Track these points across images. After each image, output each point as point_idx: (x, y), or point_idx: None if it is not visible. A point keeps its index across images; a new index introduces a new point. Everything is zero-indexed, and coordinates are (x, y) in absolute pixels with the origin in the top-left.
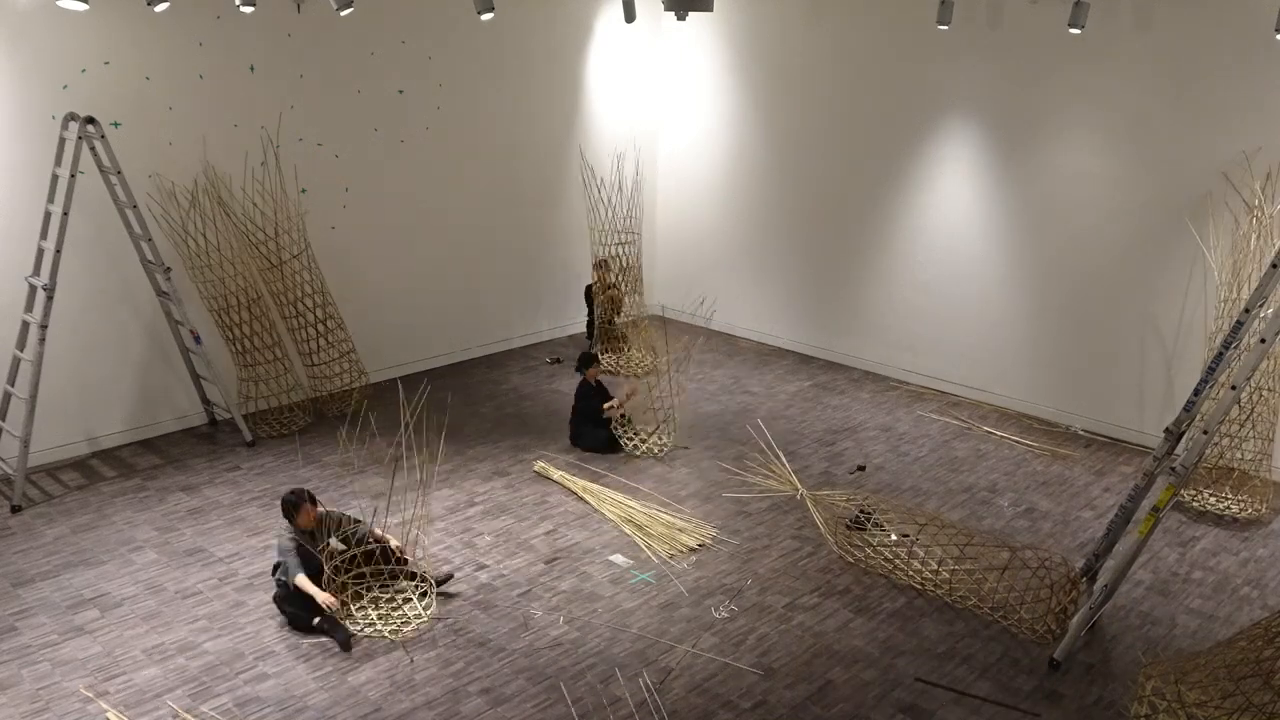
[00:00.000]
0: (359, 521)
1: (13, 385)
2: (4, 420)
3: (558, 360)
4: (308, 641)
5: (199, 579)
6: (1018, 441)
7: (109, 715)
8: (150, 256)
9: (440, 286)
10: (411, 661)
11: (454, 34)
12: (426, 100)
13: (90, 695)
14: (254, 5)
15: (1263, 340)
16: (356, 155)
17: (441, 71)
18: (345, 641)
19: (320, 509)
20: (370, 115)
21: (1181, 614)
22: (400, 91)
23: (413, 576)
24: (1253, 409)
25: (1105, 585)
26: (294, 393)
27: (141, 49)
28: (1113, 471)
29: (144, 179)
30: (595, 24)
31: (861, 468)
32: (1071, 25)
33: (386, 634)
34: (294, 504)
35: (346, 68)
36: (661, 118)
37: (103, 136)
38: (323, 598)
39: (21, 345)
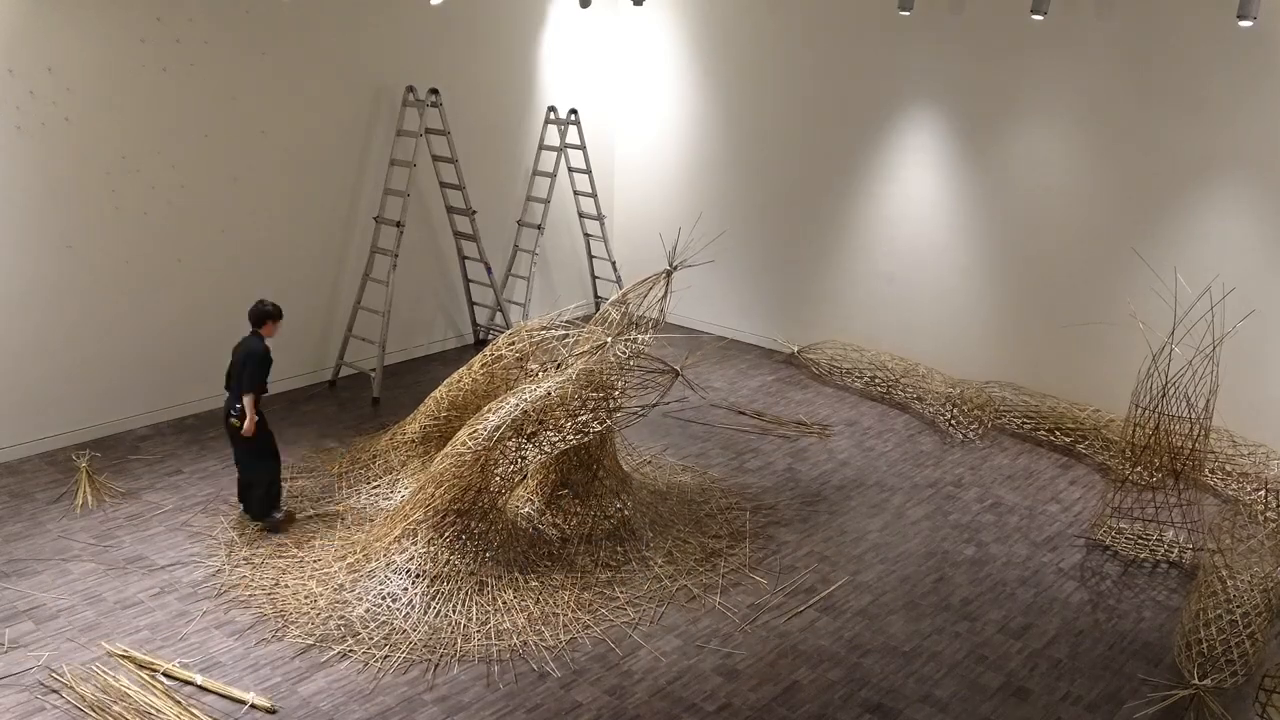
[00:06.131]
0: None
1: None
2: None
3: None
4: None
5: (139, 588)
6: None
7: None
8: None
9: None
10: None
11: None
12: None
13: (26, 711)
14: None
15: None
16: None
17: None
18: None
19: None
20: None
21: (1148, 606)
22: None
23: None
24: None
25: None
26: None
27: None
28: (1079, 464)
29: None
30: (548, 9)
31: None
32: (1034, 11)
33: None
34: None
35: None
36: (618, 108)
37: None
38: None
39: None
